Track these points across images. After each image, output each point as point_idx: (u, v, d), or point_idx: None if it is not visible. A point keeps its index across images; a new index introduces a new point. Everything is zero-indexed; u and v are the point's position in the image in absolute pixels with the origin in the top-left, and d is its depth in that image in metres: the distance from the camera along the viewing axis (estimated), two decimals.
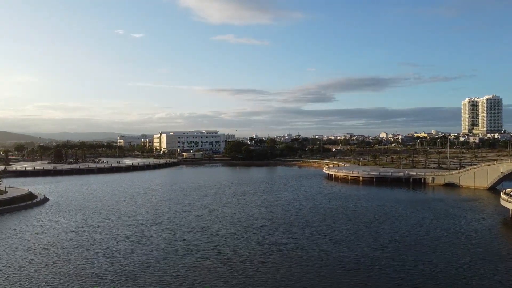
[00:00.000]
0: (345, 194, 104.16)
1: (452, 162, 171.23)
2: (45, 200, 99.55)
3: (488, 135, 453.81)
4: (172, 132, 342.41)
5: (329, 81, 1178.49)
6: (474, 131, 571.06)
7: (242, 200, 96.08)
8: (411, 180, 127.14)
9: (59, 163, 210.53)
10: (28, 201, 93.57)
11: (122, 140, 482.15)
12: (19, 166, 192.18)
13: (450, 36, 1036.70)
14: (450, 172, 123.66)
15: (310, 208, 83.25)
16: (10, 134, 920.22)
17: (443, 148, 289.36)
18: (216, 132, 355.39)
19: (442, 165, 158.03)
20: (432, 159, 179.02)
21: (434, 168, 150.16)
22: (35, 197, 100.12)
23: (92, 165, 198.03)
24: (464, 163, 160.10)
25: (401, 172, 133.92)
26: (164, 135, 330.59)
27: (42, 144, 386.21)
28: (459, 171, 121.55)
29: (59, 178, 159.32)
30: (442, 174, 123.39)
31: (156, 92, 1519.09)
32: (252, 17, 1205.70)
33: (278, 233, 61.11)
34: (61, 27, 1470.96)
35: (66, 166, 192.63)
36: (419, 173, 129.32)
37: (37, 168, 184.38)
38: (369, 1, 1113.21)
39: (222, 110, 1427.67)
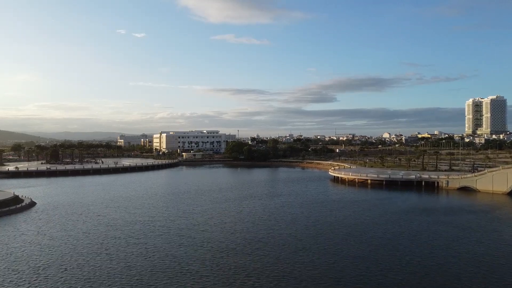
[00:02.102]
0: (355, 200, 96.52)
1: (463, 164, 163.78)
2: (32, 204, 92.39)
3: (494, 136, 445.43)
4: (172, 132, 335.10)
5: (330, 81, 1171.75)
6: (478, 132, 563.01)
7: (243, 206, 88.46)
8: (423, 183, 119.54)
9: (55, 164, 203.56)
10: (12, 206, 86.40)
11: (122, 140, 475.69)
12: (12, 167, 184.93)
13: (452, 36, 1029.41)
14: (466, 175, 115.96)
15: (320, 216, 75.58)
16: (11, 134, 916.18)
17: (448, 149, 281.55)
18: (217, 132, 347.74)
19: (454, 167, 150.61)
20: (442, 161, 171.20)
21: (445, 170, 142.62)
22: (21, 201, 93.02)
23: (88, 166, 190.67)
24: (476, 165, 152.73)
25: (412, 175, 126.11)
26: (164, 135, 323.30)
27: (42, 144, 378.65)
28: (475, 174, 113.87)
29: (53, 179, 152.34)
30: (457, 177, 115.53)
31: (157, 91, 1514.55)
32: (251, 17, 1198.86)
33: (286, 249, 53.37)
34: (63, 27, 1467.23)
35: (61, 167, 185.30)
36: (432, 176, 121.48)
37: (30, 169, 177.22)
38: (370, 1, 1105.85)
39: (223, 110, 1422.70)
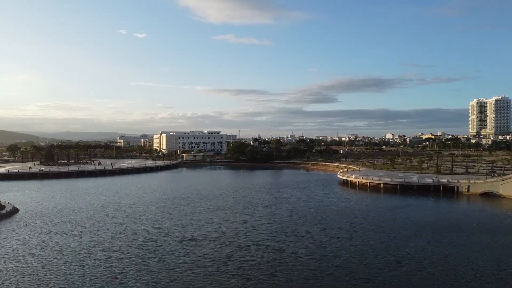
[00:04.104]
0: (371, 208, 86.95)
1: (480, 166, 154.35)
2: (14, 211, 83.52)
3: (500, 137, 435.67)
4: (173, 132, 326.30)
5: (331, 82, 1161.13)
6: (483, 133, 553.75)
7: (247, 215, 79.00)
8: (441, 188, 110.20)
9: (49, 165, 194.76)
10: None
11: (122, 140, 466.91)
12: (3, 168, 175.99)
13: (453, 36, 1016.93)
14: (488, 180, 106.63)
15: (336, 229, 65.94)
16: (12, 134, 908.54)
17: (456, 150, 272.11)
18: (218, 132, 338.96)
19: (470, 170, 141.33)
20: (455, 163, 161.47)
21: (462, 173, 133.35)
22: (2, 207, 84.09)
23: (83, 168, 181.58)
24: (495, 168, 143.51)
25: (429, 179, 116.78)
26: (164, 135, 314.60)
27: (42, 144, 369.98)
28: (500, 178, 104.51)
29: (45, 182, 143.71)
30: (479, 181, 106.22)
31: (158, 92, 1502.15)
32: (252, 17, 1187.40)
33: (302, 274, 43.89)
34: (64, 27, 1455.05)
35: (54, 169, 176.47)
36: (451, 180, 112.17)
37: (22, 171, 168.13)
38: (370, 1, 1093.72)
39: (224, 110, 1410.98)
